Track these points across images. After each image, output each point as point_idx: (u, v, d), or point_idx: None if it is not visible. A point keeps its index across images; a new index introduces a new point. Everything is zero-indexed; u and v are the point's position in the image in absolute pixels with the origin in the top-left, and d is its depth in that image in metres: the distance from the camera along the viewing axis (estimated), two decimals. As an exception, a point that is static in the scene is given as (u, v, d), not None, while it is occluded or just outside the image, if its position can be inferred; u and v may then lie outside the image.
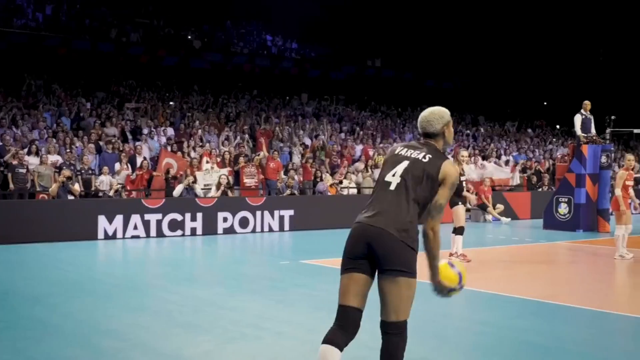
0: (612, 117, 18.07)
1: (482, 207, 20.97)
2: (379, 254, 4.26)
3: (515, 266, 12.01)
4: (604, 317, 8.01)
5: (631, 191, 12.74)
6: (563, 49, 38.79)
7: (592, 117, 18.27)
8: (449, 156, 8.44)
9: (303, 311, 8.10)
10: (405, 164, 4.37)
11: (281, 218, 17.74)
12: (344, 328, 4.31)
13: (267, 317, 7.71)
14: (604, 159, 17.99)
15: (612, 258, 12.66)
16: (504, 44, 38.75)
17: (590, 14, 36.76)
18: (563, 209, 18.26)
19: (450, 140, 4.59)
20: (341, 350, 4.27)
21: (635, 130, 19.17)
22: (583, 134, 18.07)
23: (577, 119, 18.11)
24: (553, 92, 40.01)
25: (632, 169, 12.92)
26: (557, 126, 36.67)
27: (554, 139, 34.29)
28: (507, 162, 26.17)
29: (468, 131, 32.66)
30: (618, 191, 12.35)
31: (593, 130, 18.31)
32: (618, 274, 11.71)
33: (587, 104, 18.11)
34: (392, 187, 4.35)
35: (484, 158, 25.76)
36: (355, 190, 20.83)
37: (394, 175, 4.36)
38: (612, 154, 19.07)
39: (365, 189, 21.01)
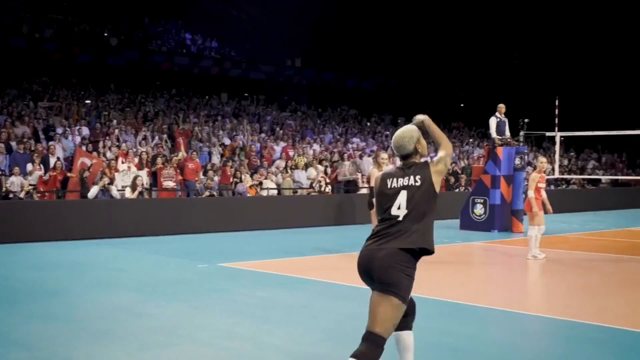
0: (526, 120, 18.53)
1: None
2: None
3: (431, 267, 12.14)
4: (517, 317, 8.15)
5: (543, 193, 13.06)
6: (479, 52, 39.64)
7: (506, 120, 18.71)
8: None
9: (220, 316, 7.97)
10: (404, 194, 4.70)
11: (200, 219, 17.49)
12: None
13: (183, 324, 7.55)
14: (517, 161, 18.44)
15: (526, 258, 12.97)
16: (424, 46, 39.35)
17: (504, 19, 37.68)
18: (479, 209, 18.63)
19: (424, 151, 4.92)
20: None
21: (548, 133, 19.71)
22: (498, 137, 18.47)
23: (492, 122, 18.52)
24: (470, 94, 40.87)
25: (545, 171, 13.27)
26: (474, 127, 37.43)
27: (471, 140, 35.01)
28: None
29: (387, 132, 33.03)
30: (531, 193, 12.66)
31: (507, 133, 18.75)
32: (531, 275, 11.99)
33: (501, 107, 18.53)
34: (401, 219, 4.67)
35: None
36: (275, 192, 20.76)
37: (399, 208, 4.67)
38: (526, 156, 19.55)
39: (285, 189, 20.97)
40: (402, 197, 4.68)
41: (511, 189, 18.52)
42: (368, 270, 4.66)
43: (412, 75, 40.62)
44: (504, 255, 14.52)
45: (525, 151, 19.40)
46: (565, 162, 32.39)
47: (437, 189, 4.75)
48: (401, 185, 4.72)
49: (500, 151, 18.34)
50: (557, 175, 21.09)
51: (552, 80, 35.50)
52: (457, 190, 24.50)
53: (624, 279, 11.13)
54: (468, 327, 7.56)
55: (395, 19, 38.36)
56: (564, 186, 29.10)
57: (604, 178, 30.26)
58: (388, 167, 4.97)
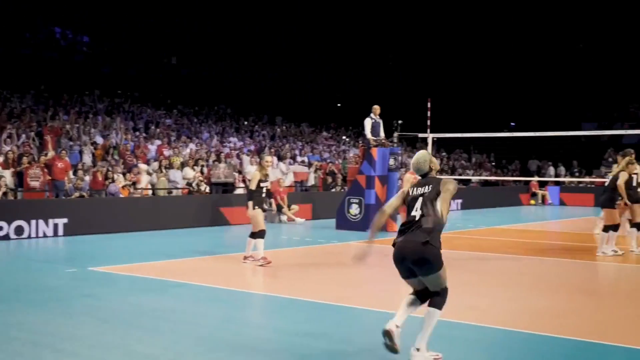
0: (400, 122, 18.90)
1: (278, 208, 21.20)
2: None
3: (308, 268, 12.18)
4: (387, 318, 8.23)
5: None
6: (355, 53, 40.21)
7: (381, 121, 19.04)
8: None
9: (87, 324, 7.63)
10: (420, 200, 6.24)
11: (70, 221, 16.77)
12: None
13: (46, 333, 7.18)
14: (392, 162, 18.79)
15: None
16: (299, 46, 39.53)
17: (380, 20, 38.39)
18: (354, 209, 18.86)
19: (436, 167, 6.60)
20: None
21: (420, 135, 20.20)
22: (373, 137, 18.77)
23: (367, 123, 18.81)
24: (346, 94, 41.40)
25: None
26: (350, 127, 37.94)
27: (347, 139, 35.49)
28: (302, 163, 26.72)
29: (264, 131, 32.98)
30: None
31: (382, 134, 19.08)
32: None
33: (376, 108, 18.84)
34: (417, 218, 6.20)
35: (280, 159, 26.10)
36: (150, 192, 20.26)
37: (416, 210, 6.22)
38: (400, 157, 19.95)
39: (160, 190, 20.50)
40: (419, 202, 6.23)
41: (385, 189, 18.84)
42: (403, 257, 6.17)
43: (289, 75, 40.72)
44: (379, 254, 14.70)
45: (399, 152, 19.81)
46: (438, 162, 33.35)
47: (444, 205, 6.18)
48: (420, 193, 6.28)
49: (375, 152, 18.62)
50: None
51: (425, 83, 36.48)
52: (333, 190, 24.75)
53: (492, 277, 11.52)
54: (343, 329, 7.57)
55: (270, 19, 38.34)
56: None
57: (474, 178, 31.38)
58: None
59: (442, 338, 7.35)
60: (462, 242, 15.49)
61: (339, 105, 43.48)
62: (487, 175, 33.33)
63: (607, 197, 13.56)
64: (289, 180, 24.38)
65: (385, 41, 40.06)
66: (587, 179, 32.32)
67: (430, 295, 6.30)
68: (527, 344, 7.06)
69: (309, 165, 26.58)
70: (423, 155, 6.57)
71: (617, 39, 37.74)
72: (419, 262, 6.07)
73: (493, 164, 37.49)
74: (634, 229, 13.88)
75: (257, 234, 12.06)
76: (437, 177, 6.48)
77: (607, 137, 34.14)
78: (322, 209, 22.39)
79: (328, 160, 28.60)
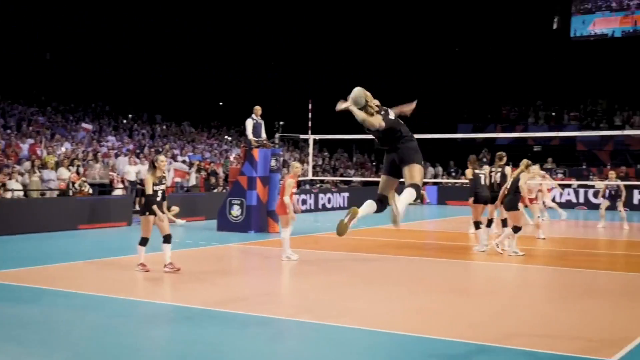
0: (281, 123, 18.93)
1: (158, 209, 20.75)
2: None
3: (189, 272, 11.99)
4: (268, 322, 8.23)
5: (294, 197, 13.47)
6: (239, 52, 39.89)
7: (262, 122, 19.03)
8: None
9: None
10: None
11: None
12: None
13: None
14: (273, 163, 18.79)
15: (280, 259, 13.23)
16: (182, 43, 38.89)
17: (262, 20, 38.30)
18: (236, 210, 18.74)
19: (371, 100, 7.15)
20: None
21: (302, 136, 20.31)
22: (254, 138, 18.72)
23: (249, 124, 18.77)
24: (228, 93, 41.07)
25: (298, 176, 13.65)
26: (233, 127, 37.69)
27: (229, 139, 35.24)
28: (184, 162, 26.31)
29: (144, 130, 32.28)
30: (287, 199, 12.94)
31: (264, 135, 19.07)
32: (285, 276, 12.24)
33: (257, 109, 18.82)
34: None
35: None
36: (21, 193, 19.40)
37: None
38: (281, 158, 19.99)
39: (32, 191, 19.67)
40: None
41: (267, 190, 18.83)
42: None
43: (170, 72, 39.93)
44: (260, 256, 14.71)
45: (281, 153, 19.84)
46: (320, 161, 33.72)
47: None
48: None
49: (257, 153, 18.58)
50: (310, 176, 21.84)
51: (307, 84, 36.69)
52: (215, 190, 24.52)
53: (368, 278, 11.69)
54: (224, 337, 7.49)
55: (151, 14, 37.54)
56: (319, 185, 30.21)
57: (355, 179, 31.84)
58: None
59: (318, 341, 7.41)
60: (341, 242, 15.64)
61: (220, 104, 43.11)
62: (368, 175, 33.92)
63: (511, 199, 14.02)
64: (169, 180, 23.93)
65: (267, 41, 40.01)
66: (464, 179, 33.40)
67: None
68: (402, 346, 7.21)
69: (190, 165, 26.20)
70: (358, 91, 7.13)
71: (490, 43, 39.25)
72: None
73: (374, 164, 38.17)
74: (508, 228, 14.42)
75: (142, 241, 11.70)
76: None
77: (482, 139, 35.44)
78: (204, 210, 22.12)
79: (210, 160, 28.31)
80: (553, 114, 39.87)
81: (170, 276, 11.36)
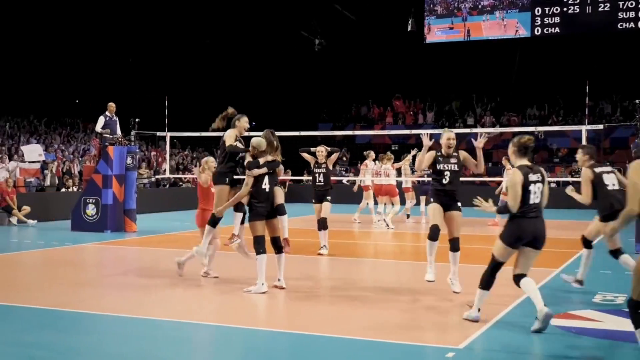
0: (137, 120, 18.64)
1: (7, 210, 19.97)
2: None
3: (40, 272, 11.66)
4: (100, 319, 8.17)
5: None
6: (95, 48, 38.75)
7: (117, 119, 18.69)
8: None
9: None
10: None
11: None
12: None
13: None
14: (129, 161, 18.47)
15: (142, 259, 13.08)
16: (34, 39, 37.34)
17: (120, 17, 37.42)
18: (91, 210, 18.28)
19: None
20: None
21: (158, 133, 20.06)
22: (109, 135, 18.36)
23: (100, 121, 18.51)
24: (85, 90, 39.76)
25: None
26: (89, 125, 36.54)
27: (85, 137, 34.22)
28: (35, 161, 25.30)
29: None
30: None
31: (119, 132, 18.73)
32: (132, 276, 12.09)
33: (111, 106, 18.50)
34: None
35: (9, 157, 24.57)
36: None
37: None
38: (137, 156, 19.68)
39: None
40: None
41: (123, 188, 18.48)
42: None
43: (19, 66, 38.12)
44: (115, 256, 14.47)
45: (137, 150, 19.53)
46: (181, 160, 33.40)
47: None
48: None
49: (112, 150, 18.21)
50: (168, 174, 21.64)
51: (163, 81, 36.18)
52: (69, 190, 23.76)
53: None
54: (70, 337, 7.36)
55: (8, 9, 35.78)
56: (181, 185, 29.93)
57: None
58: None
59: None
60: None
61: (77, 101, 41.71)
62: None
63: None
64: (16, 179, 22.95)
65: (125, 38, 39.00)
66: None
67: None
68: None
69: (44, 164, 25.22)
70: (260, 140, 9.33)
71: (353, 45, 40.12)
72: None
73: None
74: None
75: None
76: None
77: (341, 137, 36.12)
78: (57, 209, 21.38)
79: (64, 159, 27.42)
80: (411, 113, 41.31)
81: (14, 275, 10.98)
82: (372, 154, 20.29)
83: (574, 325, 7.76)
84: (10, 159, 24.22)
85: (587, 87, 18.55)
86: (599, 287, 10.02)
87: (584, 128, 14.54)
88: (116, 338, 7.32)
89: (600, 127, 21.12)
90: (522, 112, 38.58)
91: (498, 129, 32.69)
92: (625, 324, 7.68)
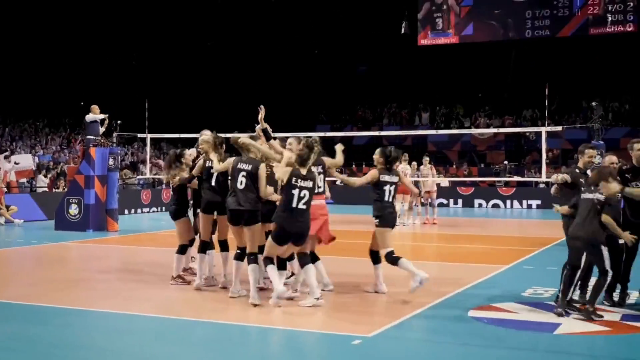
0: (119, 122, 19.06)
1: (-6, 209, 20.46)
2: None
3: (16, 270, 12.06)
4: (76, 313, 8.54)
5: None
6: (75, 49, 38.60)
7: (99, 120, 19.15)
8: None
9: None
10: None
11: None
12: None
13: None
14: (111, 162, 18.91)
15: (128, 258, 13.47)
16: (28, 40, 37.54)
17: (106, 18, 37.53)
18: (73, 209, 18.73)
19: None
20: None
21: (139, 135, 20.50)
22: (92, 137, 18.83)
23: (89, 119, 18.99)
24: (55, 90, 39.44)
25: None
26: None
27: (74, 139, 34.52)
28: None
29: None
30: None
31: (101, 132, 19.19)
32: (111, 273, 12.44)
33: (95, 108, 18.97)
34: None
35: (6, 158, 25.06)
36: None
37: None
38: (119, 157, 20.12)
39: None
40: None
41: (105, 189, 18.90)
42: None
43: (15, 69, 38.26)
44: (97, 253, 14.87)
45: (118, 152, 19.97)
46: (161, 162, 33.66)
47: None
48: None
49: (94, 151, 18.67)
50: (148, 174, 22.10)
51: (143, 83, 36.28)
52: (59, 190, 24.22)
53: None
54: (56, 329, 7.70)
55: (6, 14, 36.14)
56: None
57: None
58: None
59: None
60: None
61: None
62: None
63: None
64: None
65: (104, 40, 38.91)
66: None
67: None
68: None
69: (40, 165, 25.75)
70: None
71: (346, 47, 40.42)
72: None
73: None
74: None
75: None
76: None
77: (340, 138, 36.36)
78: (48, 209, 21.80)
79: (60, 161, 27.94)
80: (404, 111, 41.62)
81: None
82: (406, 156, 19.71)
83: (488, 317, 8.13)
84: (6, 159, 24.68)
85: (547, 90, 18.78)
86: (534, 282, 10.37)
87: (543, 130, 14.86)
88: (89, 332, 7.61)
89: (559, 128, 21.53)
90: (517, 113, 38.81)
91: (492, 130, 33.08)
92: (535, 316, 8.10)
